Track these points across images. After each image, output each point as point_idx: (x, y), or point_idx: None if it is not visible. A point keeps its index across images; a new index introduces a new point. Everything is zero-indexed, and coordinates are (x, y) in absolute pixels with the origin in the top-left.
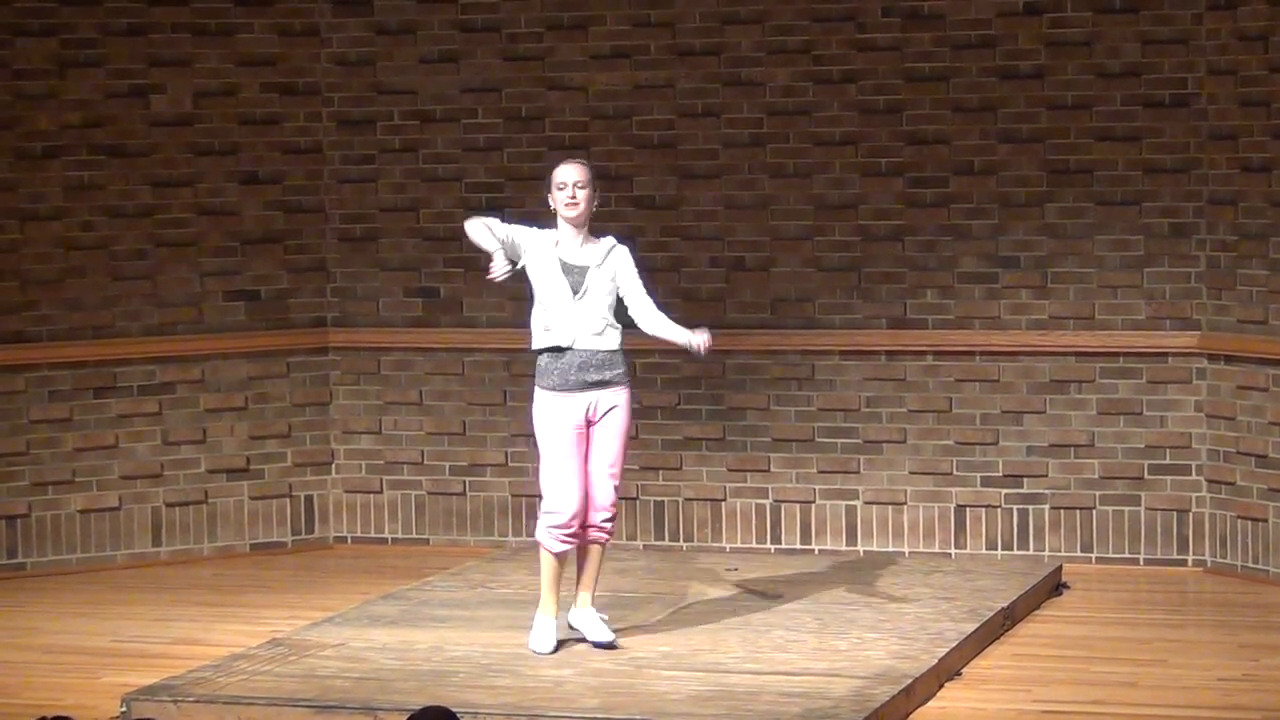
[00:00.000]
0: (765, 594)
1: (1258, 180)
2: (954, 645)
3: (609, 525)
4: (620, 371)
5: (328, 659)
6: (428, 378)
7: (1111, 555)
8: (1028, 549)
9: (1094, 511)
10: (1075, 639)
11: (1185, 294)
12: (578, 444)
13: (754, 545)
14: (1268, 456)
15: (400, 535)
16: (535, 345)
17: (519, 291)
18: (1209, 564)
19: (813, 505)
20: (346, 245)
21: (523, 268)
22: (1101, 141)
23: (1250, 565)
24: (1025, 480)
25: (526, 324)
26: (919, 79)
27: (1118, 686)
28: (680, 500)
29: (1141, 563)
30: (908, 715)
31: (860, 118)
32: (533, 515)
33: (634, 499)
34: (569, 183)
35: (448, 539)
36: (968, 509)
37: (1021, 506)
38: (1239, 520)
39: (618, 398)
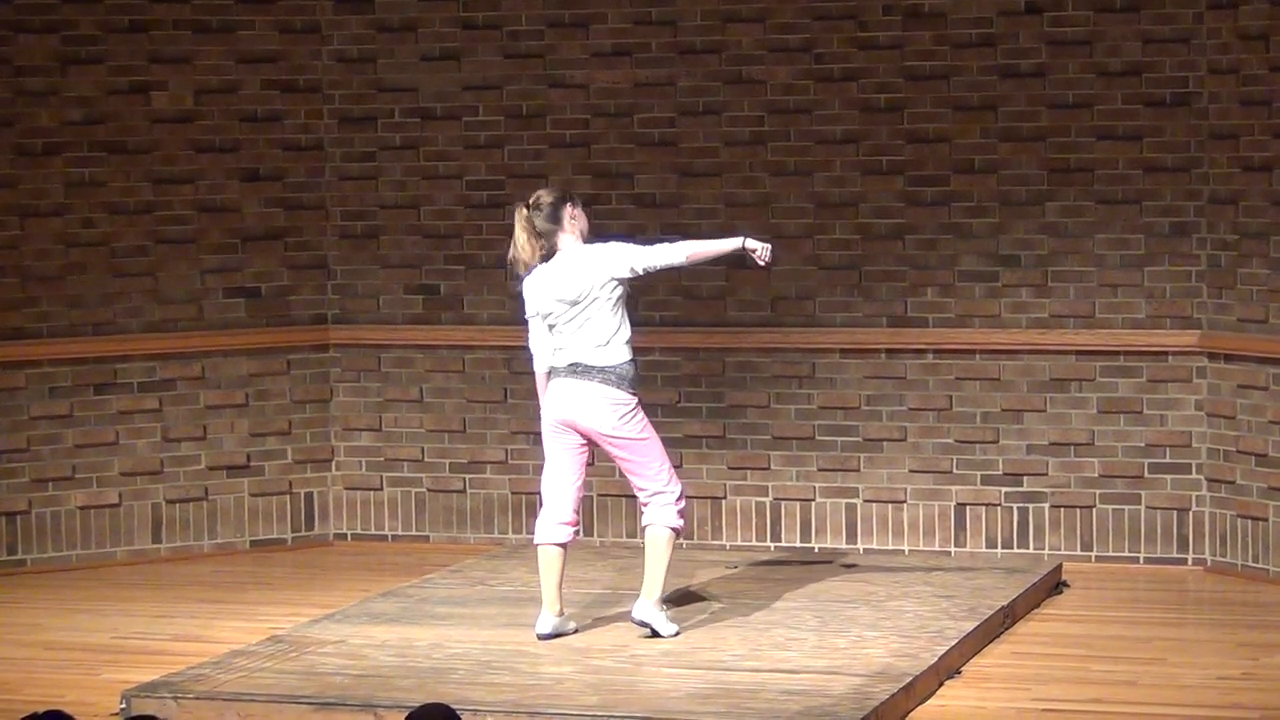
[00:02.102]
0: (765, 592)
1: (1258, 179)
2: (954, 643)
3: None
4: None
5: (327, 656)
6: (428, 375)
7: (1111, 554)
8: (1028, 547)
9: (1094, 510)
10: (1075, 637)
11: (1186, 293)
12: None
13: (754, 543)
14: (1268, 455)
15: (400, 532)
16: (632, 355)
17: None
18: (1209, 563)
19: (813, 503)
20: (347, 242)
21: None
22: (1102, 140)
23: (1250, 564)
24: (1025, 479)
25: (525, 322)
26: (920, 77)
27: (1117, 685)
28: None
29: (1141, 561)
30: (907, 713)
31: (861, 116)
32: (532, 513)
33: (634, 497)
34: None
35: (448, 536)
36: (968, 507)
37: (1021, 505)
38: (1239, 519)
39: None
